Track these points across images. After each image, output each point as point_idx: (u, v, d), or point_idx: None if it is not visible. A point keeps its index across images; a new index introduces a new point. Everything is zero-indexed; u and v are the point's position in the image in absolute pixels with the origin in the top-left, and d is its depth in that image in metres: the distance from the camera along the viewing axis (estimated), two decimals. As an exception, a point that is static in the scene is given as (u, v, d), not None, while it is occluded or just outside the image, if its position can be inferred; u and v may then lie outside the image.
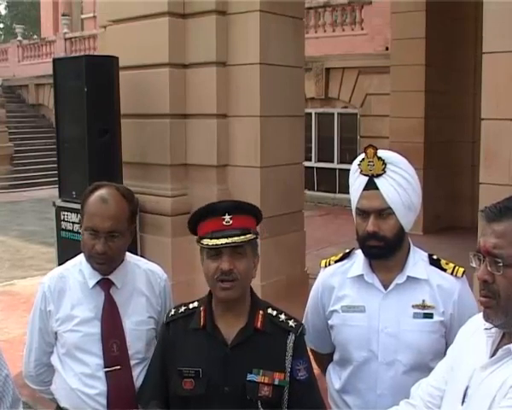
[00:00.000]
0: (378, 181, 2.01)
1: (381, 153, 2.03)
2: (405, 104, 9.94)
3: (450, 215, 10.13)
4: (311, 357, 2.38)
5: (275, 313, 2.05)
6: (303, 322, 2.30)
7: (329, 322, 2.21)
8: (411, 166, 2.09)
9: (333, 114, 13.78)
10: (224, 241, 1.91)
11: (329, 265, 2.27)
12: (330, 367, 2.29)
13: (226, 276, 1.92)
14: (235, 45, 5.16)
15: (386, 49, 11.80)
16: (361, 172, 2.05)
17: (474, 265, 1.56)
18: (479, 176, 3.57)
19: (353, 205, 2.09)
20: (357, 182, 2.07)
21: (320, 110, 13.84)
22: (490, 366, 1.53)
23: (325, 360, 2.32)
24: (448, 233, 9.41)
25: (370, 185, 2.02)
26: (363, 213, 2.04)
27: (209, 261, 1.96)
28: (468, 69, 9.85)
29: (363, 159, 2.04)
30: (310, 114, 13.41)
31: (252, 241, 1.98)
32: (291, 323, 2.03)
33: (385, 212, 2.01)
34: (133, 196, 2.29)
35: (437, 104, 9.84)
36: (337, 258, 2.26)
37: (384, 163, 2.01)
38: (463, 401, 1.56)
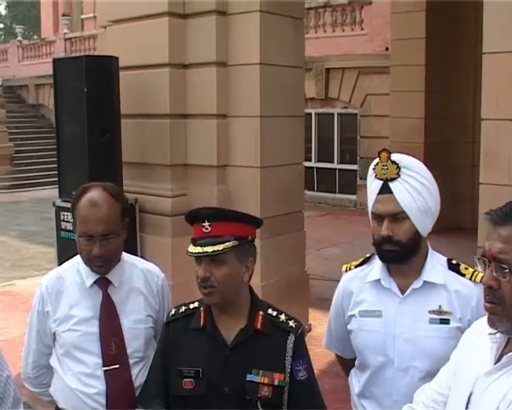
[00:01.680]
0: (392, 185, 2.00)
1: (394, 157, 2.02)
2: (405, 104, 9.95)
3: (450, 215, 10.10)
4: (338, 361, 2.41)
5: (275, 313, 2.05)
6: (326, 328, 2.34)
7: (348, 327, 2.21)
8: (428, 171, 2.08)
9: (333, 114, 13.78)
10: (198, 249, 1.93)
11: (350, 270, 2.27)
12: (352, 372, 2.29)
13: (203, 283, 1.94)
14: (235, 45, 5.15)
15: (387, 49, 11.81)
16: (376, 176, 2.04)
17: (479, 269, 1.54)
18: (479, 176, 3.57)
19: (369, 207, 2.08)
20: (372, 186, 2.06)
21: (320, 110, 13.85)
22: (494, 373, 1.51)
23: (349, 365, 2.32)
24: (448, 233, 9.39)
25: (385, 189, 2.01)
26: (378, 217, 2.03)
27: (195, 265, 1.99)
28: (468, 69, 9.85)
29: (378, 163, 2.03)
30: (310, 114, 13.41)
31: (235, 248, 1.95)
32: (291, 323, 2.03)
33: (399, 216, 2.00)
34: (122, 193, 2.30)
35: (437, 104, 9.84)
36: (357, 263, 2.26)
37: (398, 167, 2.00)
38: (467, 408, 1.54)
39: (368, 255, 2.25)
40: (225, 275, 1.95)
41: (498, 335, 1.54)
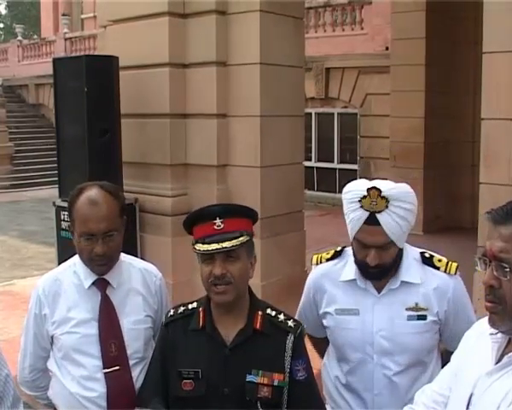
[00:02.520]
0: (380, 217, 1.98)
1: (385, 192, 1.98)
2: (405, 104, 9.94)
3: (450, 215, 10.12)
4: (309, 340, 2.43)
5: (274, 313, 2.05)
6: (297, 312, 2.36)
7: (324, 322, 2.23)
8: (413, 193, 2.07)
9: (333, 113, 13.78)
10: (214, 246, 1.91)
11: (321, 262, 2.27)
12: (326, 360, 2.32)
13: (219, 280, 1.93)
14: (235, 45, 5.15)
15: (387, 49, 11.80)
16: (362, 207, 2.01)
17: (479, 269, 1.54)
18: (479, 176, 3.57)
19: (351, 233, 2.07)
20: (356, 214, 2.03)
21: (320, 110, 13.84)
22: (495, 373, 1.51)
23: (321, 343, 2.36)
24: (448, 233, 9.41)
25: (372, 221, 1.99)
26: (364, 245, 2.03)
27: (203, 265, 1.97)
28: (468, 69, 9.84)
29: (366, 197, 1.99)
30: (310, 114, 13.40)
31: (245, 243, 1.97)
32: (290, 323, 2.03)
33: (387, 245, 2.01)
34: (118, 190, 2.28)
35: (437, 104, 9.83)
36: (328, 256, 2.27)
37: (387, 200, 1.98)
38: (467, 408, 1.54)
39: (339, 248, 2.26)
40: (240, 270, 1.96)
41: (499, 335, 1.54)
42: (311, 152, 13.88)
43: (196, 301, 2.11)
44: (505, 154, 3.40)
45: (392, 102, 10.39)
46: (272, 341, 1.99)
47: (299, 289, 5.45)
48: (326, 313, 2.20)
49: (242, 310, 2.02)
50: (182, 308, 2.11)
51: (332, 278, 2.20)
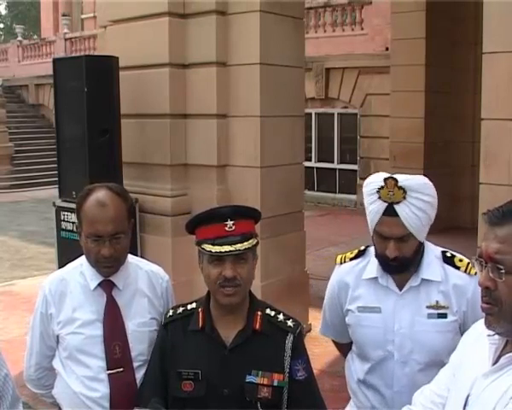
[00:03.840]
0: (398, 208, 1.99)
1: (401, 182, 2.00)
2: (405, 104, 9.95)
3: (450, 215, 10.12)
4: (334, 345, 2.47)
5: (273, 313, 2.05)
6: (321, 316, 2.36)
7: (346, 320, 2.24)
8: (432, 185, 2.08)
9: (333, 114, 13.78)
10: (227, 248, 1.90)
11: (344, 262, 2.28)
12: (349, 358, 2.32)
13: (229, 282, 1.92)
14: (235, 45, 5.15)
15: (387, 49, 11.81)
16: (380, 198, 2.02)
17: (476, 270, 1.53)
18: (479, 176, 3.57)
19: (371, 225, 2.07)
20: (375, 205, 2.04)
21: (320, 110, 13.84)
22: (492, 374, 1.50)
23: (346, 348, 2.37)
24: (448, 233, 9.38)
25: (390, 212, 2.00)
26: (384, 237, 2.04)
27: (210, 267, 1.95)
28: (468, 69, 9.85)
29: (383, 187, 2.00)
30: (310, 114, 13.41)
31: (255, 245, 1.97)
32: (289, 323, 2.03)
33: (406, 237, 2.02)
34: (126, 192, 2.27)
35: (437, 104, 9.84)
36: (352, 255, 2.28)
37: (404, 191, 1.99)
38: (464, 409, 1.54)
39: (362, 248, 2.27)
40: (248, 273, 1.96)
41: (497, 336, 1.53)
42: (311, 152, 13.89)
43: (195, 301, 2.10)
44: (505, 154, 3.40)
45: (392, 103, 10.40)
46: (272, 341, 1.99)
47: (299, 289, 5.49)
48: (348, 310, 2.21)
49: (242, 310, 2.02)
50: (181, 309, 2.10)
51: (355, 277, 2.21)
